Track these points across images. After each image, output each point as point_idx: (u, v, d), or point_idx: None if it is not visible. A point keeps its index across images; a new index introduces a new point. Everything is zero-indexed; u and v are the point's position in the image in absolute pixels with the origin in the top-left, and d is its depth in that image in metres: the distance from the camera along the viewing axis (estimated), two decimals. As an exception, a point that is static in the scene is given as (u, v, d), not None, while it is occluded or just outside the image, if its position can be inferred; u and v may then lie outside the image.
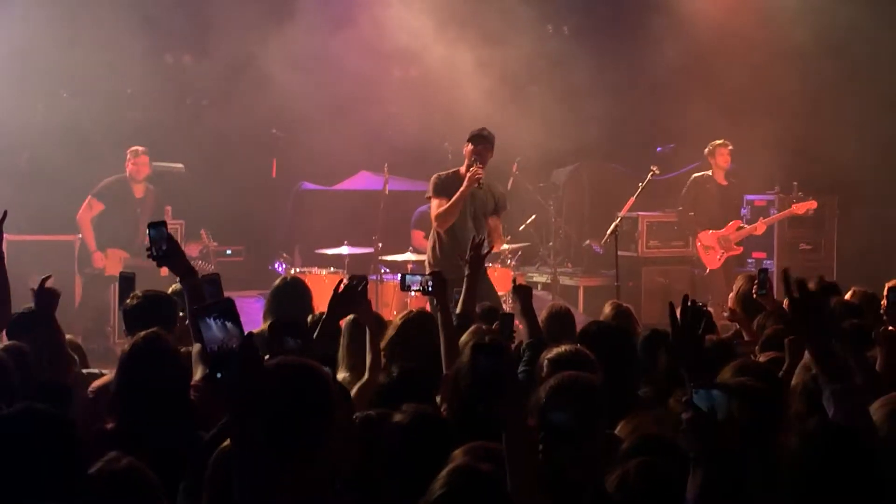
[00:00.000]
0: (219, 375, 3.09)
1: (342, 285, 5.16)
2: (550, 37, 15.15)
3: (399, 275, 11.55)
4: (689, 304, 3.80)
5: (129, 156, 11.96)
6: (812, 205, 12.78)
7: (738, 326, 7.25)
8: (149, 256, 4.84)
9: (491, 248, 9.42)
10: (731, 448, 3.37)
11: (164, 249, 4.80)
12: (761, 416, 3.77)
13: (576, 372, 4.03)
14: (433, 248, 9.59)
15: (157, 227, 4.84)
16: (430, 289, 6.00)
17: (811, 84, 13.57)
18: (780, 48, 13.76)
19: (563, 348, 4.68)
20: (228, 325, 3.21)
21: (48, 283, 5.39)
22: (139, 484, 3.29)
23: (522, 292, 6.14)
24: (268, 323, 5.92)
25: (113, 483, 3.24)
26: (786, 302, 6.44)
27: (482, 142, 9.33)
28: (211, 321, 3.19)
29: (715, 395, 3.35)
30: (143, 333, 4.60)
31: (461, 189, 9.23)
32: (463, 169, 9.40)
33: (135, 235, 11.58)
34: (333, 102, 13.76)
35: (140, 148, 12.01)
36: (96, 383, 5.38)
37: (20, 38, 12.43)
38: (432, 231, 9.66)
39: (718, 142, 12.50)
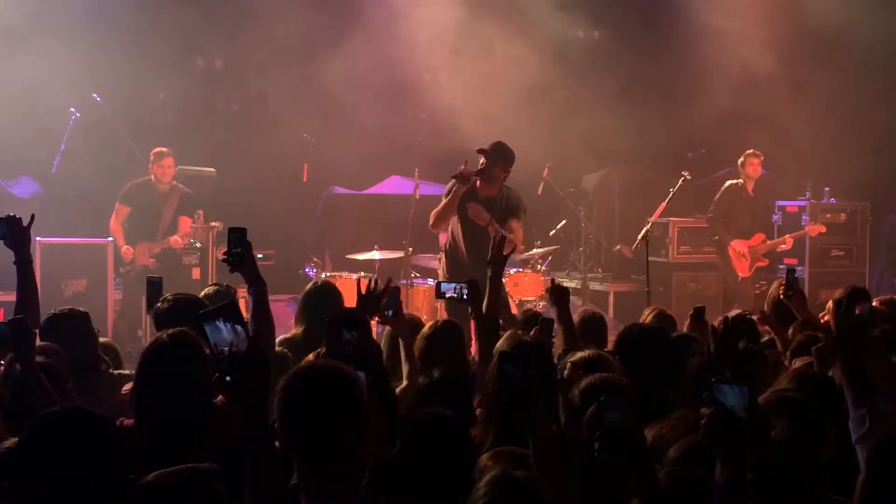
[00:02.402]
0: (227, 379, 3.09)
1: (366, 286, 5.17)
2: (581, 42, 15.14)
3: (431, 280, 11.75)
4: (732, 316, 3.73)
5: (152, 157, 11.85)
6: (822, 229, 12.88)
7: (771, 333, 7.18)
8: (224, 260, 4.97)
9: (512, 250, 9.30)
10: (756, 445, 3.26)
11: (238, 253, 4.93)
12: (805, 428, 3.69)
13: (608, 374, 4.01)
14: (445, 249, 9.47)
15: (237, 231, 4.97)
16: (464, 296, 5.92)
17: (843, 89, 13.49)
18: (813, 52, 13.70)
19: (586, 353, 4.64)
20: (238, 328, 3.20)
21: None
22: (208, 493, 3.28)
23: (559, 296, 5.88)
24: (329, 317, 5.90)
25: (176, 491, 3.25)
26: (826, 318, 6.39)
27: (493, 154, 9.18)
28: (220, 324, 3.18)
29: (739, 389, 3.14)
30: (170, 330, 4.55)
31: (453, 191, 9.13)
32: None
33: (157, 224, 11.77)
34: (364, 107, 13.79)
35: (164, 149, 11.86)
36: (130, 385, 5.38)
37: (52, 44, 12.52)
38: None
39: (749, 151, 12.44)
